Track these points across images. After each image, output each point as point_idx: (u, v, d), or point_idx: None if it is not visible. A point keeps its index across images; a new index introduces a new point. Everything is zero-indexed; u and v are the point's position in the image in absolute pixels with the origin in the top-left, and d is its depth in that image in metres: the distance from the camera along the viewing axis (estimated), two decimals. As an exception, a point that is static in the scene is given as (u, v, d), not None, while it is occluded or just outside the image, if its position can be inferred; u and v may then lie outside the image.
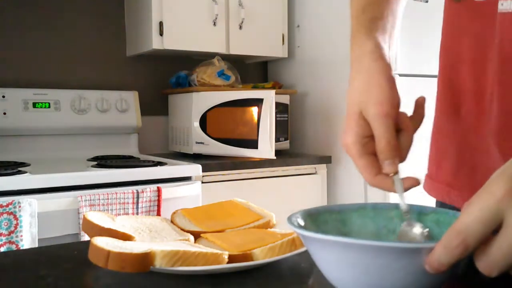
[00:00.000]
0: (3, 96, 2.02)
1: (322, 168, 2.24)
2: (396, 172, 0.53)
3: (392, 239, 0.56)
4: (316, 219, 0.53)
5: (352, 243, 0.41)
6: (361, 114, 0.54)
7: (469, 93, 0.66)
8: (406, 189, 0.54)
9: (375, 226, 0.56)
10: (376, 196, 2.13)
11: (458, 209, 0.56)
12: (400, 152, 0.53)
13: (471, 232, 0.37)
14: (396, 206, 0.57)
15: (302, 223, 0.51)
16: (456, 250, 0.38)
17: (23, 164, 1.76)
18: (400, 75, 2.08)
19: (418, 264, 0.41)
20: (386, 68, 0.55)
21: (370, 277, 0.42)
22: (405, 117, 0.55)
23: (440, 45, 0.70)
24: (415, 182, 0.54)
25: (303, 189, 2.17)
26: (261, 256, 0.62)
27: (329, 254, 0.44)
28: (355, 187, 2.22)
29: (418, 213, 0.57)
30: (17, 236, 1.43)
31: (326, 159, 2.25)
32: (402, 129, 0.54)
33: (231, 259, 0.60)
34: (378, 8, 0.65)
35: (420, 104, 0.57)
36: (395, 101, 0.53)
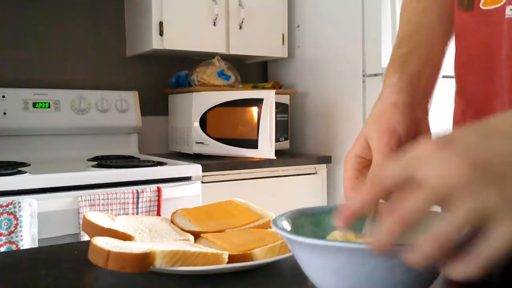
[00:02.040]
0: (3, 96, 2.02)
1: (322, 168, 2.24)
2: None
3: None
4: (294, 222, 0.53)
5: (326, 246, 0.41)
6: (366, 140, 0.56)
7: (478, 101, 0.65)
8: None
9: (349, 228, 0.56)
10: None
11: None
12: None
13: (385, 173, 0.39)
14: None
15: (286, 226, 0.51)
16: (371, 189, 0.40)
17: (23, 164, 1.76)
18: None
19: (391, 265, 0.41)
20: (401, 101, 0.57)
21: (344, 278, 0.43)
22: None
23: (454, 55, 0.69)
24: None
25: (303, 189, 2.17)
26: (261, 256, 0.62)
27: (309, 257, 0.44)
28: (355, 187, 2.22)
29: None
30: (17, 236, 1.43)
31: (326, 159, 2.25)
32: None
33: (231, 259, 0.60)
34: (415, 43, 0.66)
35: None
36: (400, 133, 0.54)
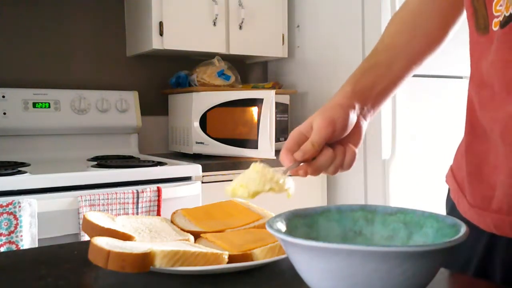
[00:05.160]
0: (3, 96, 2.02)
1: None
2: (299, 162, 0.68)
3: (359, 241, 0.56)
4: (288, 224, 0.53)
5: (326, 248, 0.41)
6: (311, 123, 0.69)
7: (495, 114, 0.65)
8: (291, 174, 0.69)
9: (341, 229, 0.57)
10: (376, 196, 2.13)
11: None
12: (315, 165, 0.69)
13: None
14: (360, 207, 0.58)
15: (281, 228, 0.51)
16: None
17: (23, 164, 1.76)
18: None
19: (387, 268, 0.41)
20: (347, 103, 0.70)
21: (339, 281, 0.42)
22: (340, 149, 0.70)
23: (473, 78, 0.70)
24: (302, 173, 0.69)
25: (303, 189, 2.17)
26: (261, 256, 0.62)
27: (306, 259, 0.44)
28: (355, 187, 2.22)
29: (382, 214, 0.56)
30: (17, 236, 1.43)
31: (326, 159, 2.25)
32: (324, 150, 0.68)
33: (231, 259, 0.60)
34: (377, 61, 0.78)
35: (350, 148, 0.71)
36: (337, 126, 0.68)
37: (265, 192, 0.63)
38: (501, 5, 0.60)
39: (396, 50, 0.78)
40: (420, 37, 0.79)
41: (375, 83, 0.75)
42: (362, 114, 0.72)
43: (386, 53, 0.78)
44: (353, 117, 0.70)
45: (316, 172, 0.69)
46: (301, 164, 0.68)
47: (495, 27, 0.61)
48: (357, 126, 0.71)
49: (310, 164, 0.68)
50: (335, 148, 0.69)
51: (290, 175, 0.68)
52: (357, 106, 0.71)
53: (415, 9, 0.80)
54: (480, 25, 0.65)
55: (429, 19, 0.79)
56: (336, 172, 0.70)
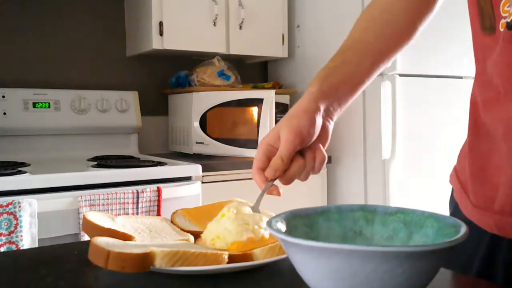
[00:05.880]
0: (3, 96, 2.02)
1: (322, 168, 2.24)
2: (271, 180, 0.68)
3: (359, 241, 0.56)
4: (288, 224, 0.53)
5: (326, 248, 0.41)
6: (278, 132, 0.69)
7: (498, 115, 0.65)
8: (267, 193, 0.69)
9: (341, 229, 0.57)
10: (376, 196, 2.13)
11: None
12: (287, 176, 0.69)
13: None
14: (360, 207, 0.58)
15: (281, 228, 0.51)
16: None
17: (23, 164, 1.76)
18: (400, 75, 2.08)
19: (387, 268, 0.41)
20: (312, 108, 0.70)
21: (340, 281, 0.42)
22: (310, 155, 0.70)
23: (475, 75, 0.70)
24: (277, 193, 0.69)
25: (303, 189, 2.17)
26: (261, 256, 0.62)
27: (306, 260, 0.44)
28: (355, 187, 2.22)
29: (382, 214, 0.56)
30: (17, 236, 1.43)
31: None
32: (295, 160, 0.69)
33: (231, 259, 0.60)
34: (344, 59, 0.77)
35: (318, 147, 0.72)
36: (304, 135, 0.68)
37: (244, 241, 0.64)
38: (509, 6, 0.60)
39: (364, 48, 0.77)
40: (389, 34, 0.78)
41: (342, 83, 0.74)
42: (328, 115, 0.72)
43: (354, 51, 0.78)
44: (319, 121, 0.70)
45: (288, 182, 0.69)
46: (275, 181, 0.68)
47: (502, 28, 0.61)
48: (324, 127, 0.71)
49: (282, 176, 0.68)
50: (305, 154, 0.70)
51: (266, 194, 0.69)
52: (322, 108, 0.71)
53: (384, 6, 0.80)
54: (486, 25, 0.65)
55: (398, 16, 0.79)
56: (308, 177, 0.71)
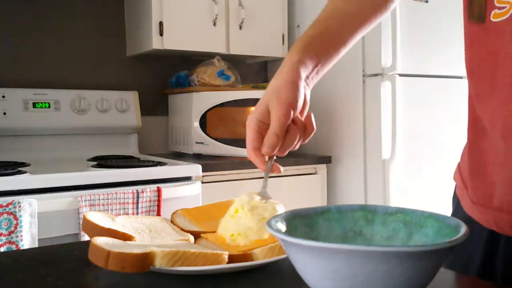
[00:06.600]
0: (3, 96, 2.02)
1: (322, 168, 2.24)
2: (270, 157, 0.68)
3: (359, 241, 0.56)
4: (288, 224, 0.53)
5: (325, 248, 0.41)
6: (267, 107, 0.69)
7: (495, 113, 0.65)
8: (271, 171, 0.69)
9: (341, 229, 0.57)
10: (376, 196, 2.13)
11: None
12: (283, 147, 0.68)
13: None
14: (360, 207, 0.57)
15: (282, 228, 0.51)
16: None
17: (23, 164, 1.76)
18: (400, 75, 2.08)
19: (387, 268, 0.41)
20: (297, 78, 0.69)
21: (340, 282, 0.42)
22: (300, 123, 0.70)
23: (466, 68, 0.70)
24: (278, 170, 0.70)
25: (303, 189, 2.17)
26: (261, 256, 0.61)
27: (306, 260, 0.44)
28: (355, 187, 2.22)
29: (382, 214, 0.56)
30: (17, 236, 1.43)
31: (326, 159, 2.25)
32: (290, 130, 0.68)
33: (231, 259, 0.60)
34: (325, 27, 0.78)
35: (308, 118, 0.72)
36: (295, 107, 0.67)
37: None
38: None
39: (346, 18, 0.79)
40: (370, 7, 0.81)
41: (322, 51, 0.75)
42: (307, 84, 0.73)
43: (336, 20, 0.80)
44: (305, 91, 0.70)
45: (284, 153, 0.70)
46: (274, 158, 0.68)
47: (494, 18, 0.61)
48: (307, 96, 0.72)
49: (278, 149, 0.68)
50: (295, 123, 0.70)
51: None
52: (303, 76, 0.71)
53: None
54: (474, 13, 0.64)
55: None
56: (298, 146, 0.71)
